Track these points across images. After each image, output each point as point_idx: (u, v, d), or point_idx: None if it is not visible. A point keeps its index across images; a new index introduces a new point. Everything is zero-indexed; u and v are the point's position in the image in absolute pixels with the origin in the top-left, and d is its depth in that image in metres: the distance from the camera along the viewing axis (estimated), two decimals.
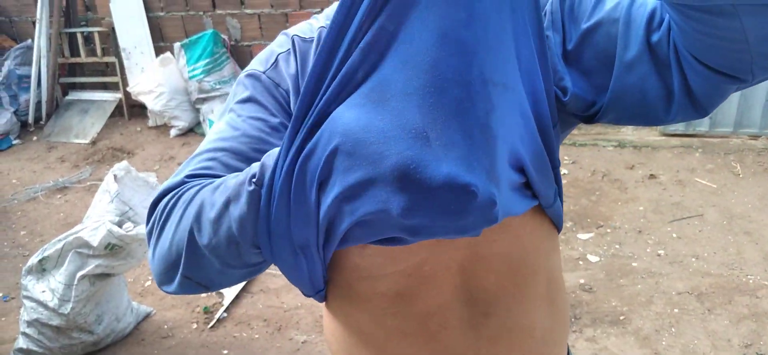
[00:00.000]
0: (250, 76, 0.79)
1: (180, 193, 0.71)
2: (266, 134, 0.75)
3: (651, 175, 3.60)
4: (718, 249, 2.90)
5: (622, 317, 2.48)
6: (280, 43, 0.82)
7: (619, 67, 0.72)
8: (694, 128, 4.02)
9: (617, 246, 2.94)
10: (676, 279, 2.69)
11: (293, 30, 0.83)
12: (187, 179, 0.73)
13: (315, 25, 0.83)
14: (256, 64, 0.81)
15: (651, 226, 3.10)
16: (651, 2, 0.71)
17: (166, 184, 0.74)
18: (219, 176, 0.71)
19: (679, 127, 4.00)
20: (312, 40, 0.80)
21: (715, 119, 4.02)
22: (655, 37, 0.69)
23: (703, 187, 3.45)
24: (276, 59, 0.79)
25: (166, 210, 0.71)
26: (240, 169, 0.71)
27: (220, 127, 0.77)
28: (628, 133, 4.12)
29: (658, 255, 2.87)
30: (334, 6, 0.81)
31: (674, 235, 3.02)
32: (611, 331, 2.42)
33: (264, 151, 0.71)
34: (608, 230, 3.08)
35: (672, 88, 0.70)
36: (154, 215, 0.73)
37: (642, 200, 3.34)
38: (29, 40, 5.13)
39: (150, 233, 0.74)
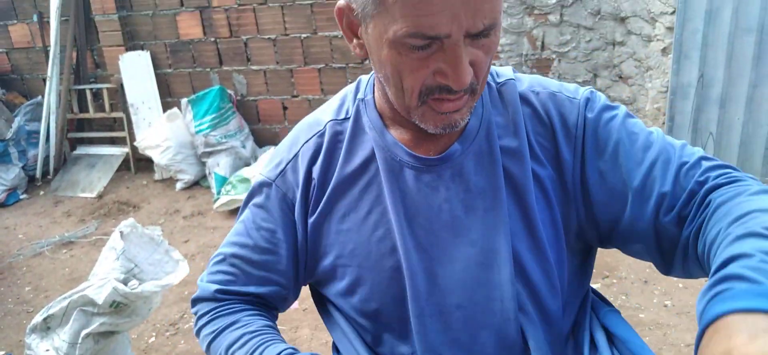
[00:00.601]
0: (263, 184, 0.93)
1: (216, 332, 0.91)
2: (273, 245, 0.92)
3: None
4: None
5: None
6: (288, 146, 0.93)
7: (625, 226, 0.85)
8: None
9: (624, 297, 2.92)
10: (684, 331, 2.66)
11: (300, 130, 0.94)
12: (219, 295, 0.94)
13: (323, 119, 0.92)
14: (268, 169, 0.93)
15: (657, 276, 3.08)
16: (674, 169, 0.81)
17: (200, 288, 0.96)
18: (239, 281, 0.94)
19: None
20: (321, 135, 0.90)
21: None
22: (665, 219, 0.80)
23: None
24: (284, 169, 0.91)
25: (205, 336, 0.93)
26: (253, 274, 0.93)
27: (240, 229, 0.94)
28: None
29: (665, 306, 2.85)
30: (336, 98, 0.91)
31: (680, 285, 3.00)
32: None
33: (270, 256, 0.91)
34: (614, 280, 3.06)
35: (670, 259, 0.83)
36: (197, 327, 0.96)
37: None
38: (39, 97, 5.22)
39: (197, 332, 0.97)
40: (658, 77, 3.92)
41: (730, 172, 0.78)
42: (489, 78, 0.88)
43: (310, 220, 0.88)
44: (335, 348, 1.00)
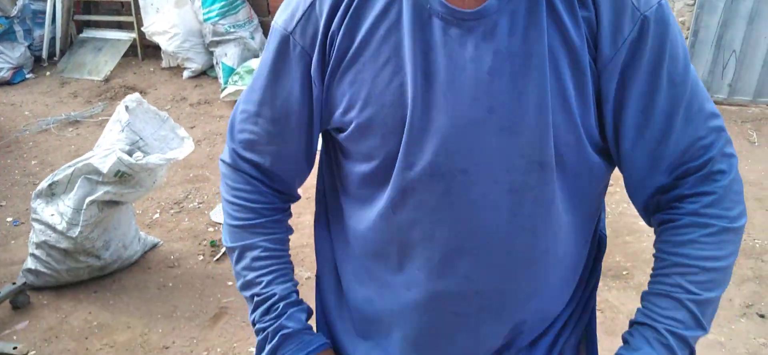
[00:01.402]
0: (280, 37, 0.84)
1: (245, 244, 0.93)
2: (288, 108, 0.86)
3: None
4: None
5: (625, 273, 2.48)
6: None
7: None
8: (712, 95, 3.96)
9: (625, 205, 2.93)
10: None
11: None
12: (240, 156, 0.91)
13: None
14: (284, 17, 0.84)
15: None
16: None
17: (225, 155, 0.93)
18: (261, 142, 0.90)
19: None
20: None
21: (734, 87, 3.95)
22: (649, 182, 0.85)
23: None
24: (301, 19, 0.82)
25: (230, 246, 0.94)
26: (273, 132, 0.88)
27: (258, 85, 0.88)
28: None
29: None
30: None
31: None
32: (613, 284, 2.42)
33: (285, 121, 0.86)
34: (617, 189, 3.06)
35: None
36: (221, 185, 0.96)
37: None
38: None
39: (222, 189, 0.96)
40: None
41: (720, 181, 0.82)
42: None
43: (328, 73, 0.82)
44: (325, 226, 0.99)
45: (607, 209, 2.94)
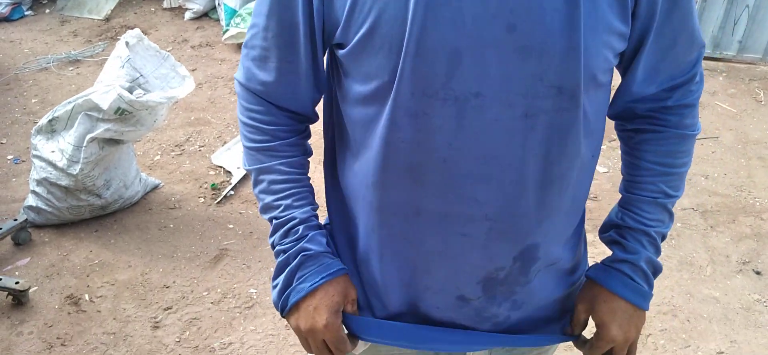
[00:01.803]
0: None
1: (261, 167, 0.92)
2: (294, 26, 0.83)
3: None
4: (729, 171, 2.87)
5: None
6: None
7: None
8: (721, 52, 3.90)
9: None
10: (683, 196, 2.68)
11: None
12: (252, 75, 0.89)
13: None
14: None
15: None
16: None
17: (239, 73, 0.92)
18: (271, 57, 0.86)
19: (706, 48, 3.88)
20: None
21: (744, 44, 3.89)
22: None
23: (722, 110, 3.39)
24: None
25: (252, 173, 0.94)
26: (281, 45, 0.84)
27: (265, 16, 0.84)
28: None
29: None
30: None
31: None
32: None
33: (293, 26, 0.82)
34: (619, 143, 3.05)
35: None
36: (241, 138, 0.95)
37: None
38: None
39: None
40: None
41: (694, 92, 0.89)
42: None
43: None
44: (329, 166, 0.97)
45: (608, 162, 2.93)
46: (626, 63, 0.84)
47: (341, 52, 0.80)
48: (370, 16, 0.75)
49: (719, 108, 3.40)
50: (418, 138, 0.79)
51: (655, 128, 0.89)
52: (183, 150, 3.06)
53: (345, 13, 0.76)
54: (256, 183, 0.93)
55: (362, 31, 0.76)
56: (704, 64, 3.91)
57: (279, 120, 0.91)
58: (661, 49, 0.82)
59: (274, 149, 0.91)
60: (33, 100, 3.52)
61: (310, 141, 0.95)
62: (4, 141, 3.10)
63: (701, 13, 3.75)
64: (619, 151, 0.97)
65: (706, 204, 2.64)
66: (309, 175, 0.95)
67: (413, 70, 0.74)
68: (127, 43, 2.43)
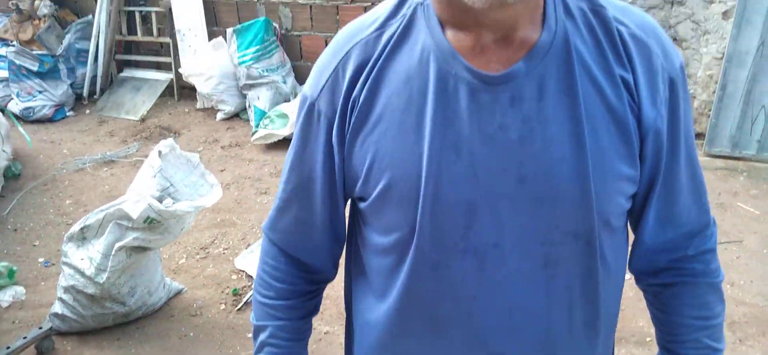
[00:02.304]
0: (306, 102, 0.85)
1: (259, 325, 0.96)
2: (312, 179, 0.87)
3: None
4: (756, 278, 2.79)
5: (648, 339, 2.41)
6: (332, 54, 0.84)
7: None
8: (740, 151, 3.87)
9: None
10: None
11: (345, 35, 0.84)
12: (273, 225, 0.94)
13: (373, 23, 0.82)
14: (310, 83, 0.85)
15: None
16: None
17: (265, 221, 0.95)
18: (290, 209, 0.91)
19: (725, 148, 3.85)
20: (366, 43, 0.81)
21: (763, 144, 3.86)
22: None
23: (744, 212, 3.32)
24: (325, 84, 0.82)
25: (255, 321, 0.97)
26: (300, 199, 0.89)
27: (289, 164, 0.90)
28: None
29: None
30: (385, 3, 0.83)
31: None
32: (636, 352, 2.36)
33: (312, 181, 0.86)
34: None
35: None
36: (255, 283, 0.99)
37: None
38: (90, 16, 5.31)
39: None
40: (714, 42, 3.74)
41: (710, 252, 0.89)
42: None
43: (347, 139, 0.80)
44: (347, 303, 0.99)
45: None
46: (638, 209, 0.85)
47: (362, 204, 0.84)
48: (386, 173, 0.78)
49: (741, 210, 3.34)
50: (441, 289, 0.80)
51: (684, 279, 0.88)
52: (207, 253, 3.11)
53: (364, 170, 0.80)
54: (254, 336, 0.97)
55: (380, 187, 0.79)
56: (724, 163, 3.90)
57: (290, 276, 0.93)
58: (671, 192, 0.83)
59: (274, 309, 0.94)
60: (67, 201, 3.64)
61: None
62: (37, 243, 3.19)
63: (717, 113, 3.76)
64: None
65: (733, 314, 2.55)
66: (309, 329, 0.99)
67: (431, 223, 0.77)
68: (160, 153, 2.52)
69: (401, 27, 0.79)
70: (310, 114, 0.84)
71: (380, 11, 0.82)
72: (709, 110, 3.87)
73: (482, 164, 0.75)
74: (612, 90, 0.75)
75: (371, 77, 0.78)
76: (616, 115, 0.75)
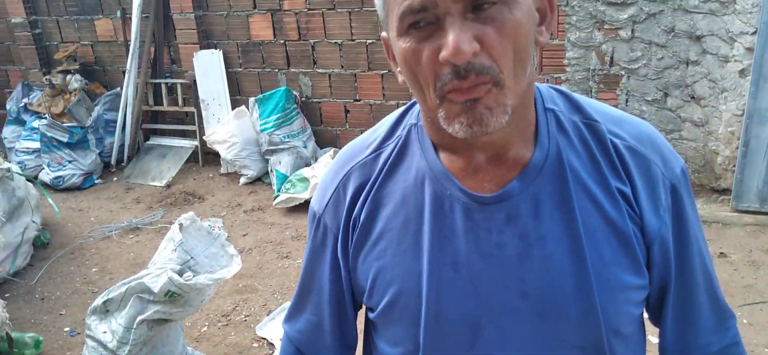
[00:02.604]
0: (314, 217, 0.89)
1: None
2: (321, 291, 0.91)
3: (721, 253, 3.43)
4: None
5: None
6: (335, 171, 0.88)
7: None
8: (766, 206, 3.81)
9: None
10: None
11: (347, 154, 0.88)
12: (288, 328, 0.98)
13: (372, 144, 0.86)
14: (317, 198, 0.89)
15: None
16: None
17: (283, 324, 0.99)
18: (302, 316, 0.95)
19: (753, 204, 3.79)
20: (366, 163, 0.84)
21: None
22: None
23: None
24: (330, 200, 0.86)
25: None
26: (311, 308, 0.93)
27: (303, 262, 0.93)
28: (698, 206, 3.94)
29: None
30: (388, 119, 0.86)
31: (745, 320, 2.84)
32: None
33: (321, 291, 0.90)
34: None
35: None
36: None
37: None
38: (118, 88, 5.51)
39: None
40: (733, 100, 3.73)
41: None
42: (564, 108, 0.80)
43: (351, 255, 0.84)
44: None
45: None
46: (655, 310, 0.85)
47: (371, 314, 0.86)
48: (389, 289, 0.80)
49: None
50: None
51: None
52: (229, 320, 3.13)
53: (368, 284, 0.82)
54: None
55: (384, 303, 0.81)
56: (753, 218, 3.84)
57: None
58: (686, 294, 0.82)
59: None
60: (93, 269, 3.71)
61: None
62: (63, 312, 3.25)
63: (743, 170, 3.72)
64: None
65: None
66: None
67: (435, 340, 0.78)
68: (180, 226, 2.58)
69: (397, 148, 0.82)
70: (318, 227, 0.88)
71: (378, 132, 0.86)
72: (733, 166, 3.84)
73: (482, 280, 0.76)
74: (610, 203, 0.75)
75: (370, 198, 0.81)
76: (616, 228, 0.75)
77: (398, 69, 0.75)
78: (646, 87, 3.94)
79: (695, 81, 3.79)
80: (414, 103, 0.85)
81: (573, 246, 0.74)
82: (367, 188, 0.82)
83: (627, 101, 4.03)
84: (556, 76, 4.17)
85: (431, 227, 0.77)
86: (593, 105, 0.82)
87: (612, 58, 3.98)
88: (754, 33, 3.52)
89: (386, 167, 0.82)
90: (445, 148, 0.79)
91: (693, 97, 3.85)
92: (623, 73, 3.98)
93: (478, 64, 0.64)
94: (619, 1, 3.82)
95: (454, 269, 0.76)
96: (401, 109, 0.88)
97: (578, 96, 0.82)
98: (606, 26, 3.91)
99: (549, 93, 0.81)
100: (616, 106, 4.03)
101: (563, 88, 0.84)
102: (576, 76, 4.11)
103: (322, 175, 0.94)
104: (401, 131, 0.84)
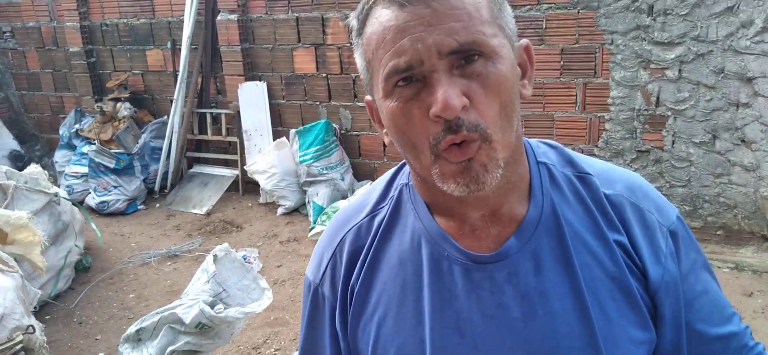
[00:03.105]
0: (310, 287, 0.87)
1: None
2: (323, 351, 0.87)
3: None
4: None
5: None
6: (329, 239, 0.86)
7: None
8: None
9: None
10: None
11: (341, 220, 0.86)
12: None
13: (364, 209, 0.84)
14: (312, 267, 0.87)
15: None
16: None
17: None
18: None
19: None
20: (360, 228, 0.83)
21: None
22: None
23: None
24: (325, 270, 0.85)
25: None
26: None
27: (300, 333, 0.91)
28: (748, 255, 3.77)
29: None
30: (380, 182, 0.85)
31: None
32: None
33: None
34: None
35: None
36: None
37: (760, 334, 3.01)
38: (165, 117, 5.66)
39: None
40: None
41: None
42: (556, 161, 0.79)
43: (349, 324, 0.82)
44: None
45: None
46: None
47: None
48: (389, 354, 0.78)
49: None
50: None
51: None
52: (260, 353, 3.11)
53: (369, 350, 0.80)
54: None
55: None
56: None
57: None
58: (700, 332, 0.79)
59: None
60: (130, 295, 3.77)
61: None
62: (99, 337, 3.30)
63: None
64: None
65: None
66: None
67: None
68: (215, 257, 2.60)
69: (390, 210, 0.81)
70: (315, 298, 0.86)
71: (372, 195, 0.85)
72: None
73: (487, 344, 0.73)
74: (608, 256, 0.74)
75: (366, 264, 0.80)
76: (617, 281, 0.74)
77: (384, 131, 0.75)
78: (693, 129, 3.81)
79: (746, 124, 3.65)
80: (404, 164, 0.84)
81: (576, 303, 0.72)
82: (363, 253, 0.80)
83: (673, 143, 3.90)
84: (599, 115, 4.08)
85: (431, 290, 0.75)
86: (583, 158, 0.81)
87: (658, 98, 3.87)
88: None
89: (381, 231, 0.80)
90: (438, 207, 0.78)
91: (743, 141, 3.70)
92: (670, 113, 3.86)
93: (467, 122, 0.65)
94: (666, 41, 3.73)
95: (457, 332, 0.74)
96: (392, 170, 0.87)
97: (569, 150, 0.82)
98: (652, 65, 3.82)
99: (540, 147, 0.80)
100: (662, 148, 3.91)
101: (553, 141, 0.83)
102: (620, 115, 4.01)
103: (318, 242, 0.89)
104: (393, 192, 0.82)
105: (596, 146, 4.14)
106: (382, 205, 0.82)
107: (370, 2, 0.70)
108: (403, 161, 0.83)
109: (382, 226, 0.80)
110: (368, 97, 0.78)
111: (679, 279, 0.76)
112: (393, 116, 0.68)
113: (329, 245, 0.85)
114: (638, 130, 3.99)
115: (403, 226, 0.79)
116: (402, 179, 0.83)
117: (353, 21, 0.73)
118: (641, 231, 0.75)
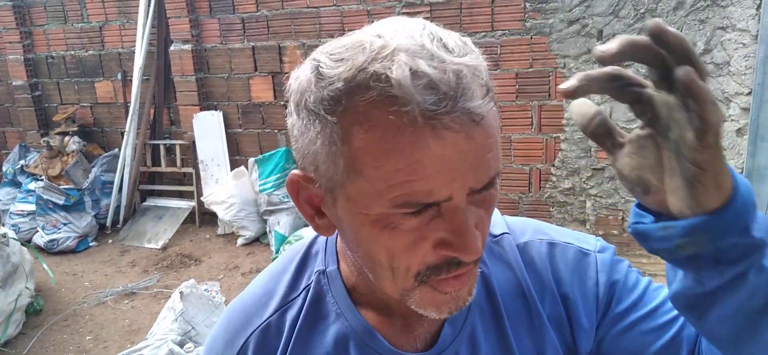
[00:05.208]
0: None
1: None
2: None
3: None
4: None
5: None
6: (224, 344, 0.73)
7: None
8: None
9: None
10: None
11: (239, 316, 0.73)
12: None
13: (271, 303, 0.72)
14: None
15: None
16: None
17: None
18: None
19: None
20: (267, 329, 0.71)
21: None
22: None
23: None
24: None
25: None
26: None
27: None
28: None
29: None
30: (286, 267, 0.74)
31: None
32: None
33: None
34: None
35: None
36: None
37: None
38: (116, 149, 5.50)
39: None
40: (731, 159, 3.76)
41: None
42: None
43: None
44: None
45: None
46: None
47: None
48: None
49: None
50: None
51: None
52: None
53: None
54: None
55: None
56: None
57: None
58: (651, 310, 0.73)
59: None
60: (87, 337, 3.61)
61: None
62: None
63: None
64: None
65: None
66: None
67: None
68: (181, 294, 2.53)
69: (306, 305, 0.70)
70: None
71: (279, 284, 0.72)
72: None
73: None
74: (541, 302, 0.71)
75: None
76: (562, 340, 0.72)
77: (319, 222, 0.62)
78: None
79: None
80: (313, 242, 0.73)
81: None
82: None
83: None
84: (555, 135, 4.20)
85: None
86: (497, 220, 0.77)
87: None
88: (749, 93, 3.57)
89: (297, 331, 0.69)
90: (362, 298, 0.69)
91: None
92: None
93: (481, 251, 0.58)
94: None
95: None
96: (297, 250, 0.75)
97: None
98: None
99: None
100: None
101: None
102: (575, 135, 4.14)
103: (207, 342, 0.75)
104: (307, 281, 0.71)
105: (553, 166, 4.25)
106: (294, 297, 0.71)
107: (382, 82, 0.51)
108: (312, 239, 0.73)
109: (298, 324, 0.69)
110: (297, 172, 0.61)
111: (614, 306, 0.73)
112: (381, 240, 0.56)
113: (227, 350, 0.70)
114: (593, 150, 4.11)
115: (325, 324, 0.69)
116: (317, 263, 0.72)
117: (338, 83, 0.54)
118: (567, 269, 0.73)
